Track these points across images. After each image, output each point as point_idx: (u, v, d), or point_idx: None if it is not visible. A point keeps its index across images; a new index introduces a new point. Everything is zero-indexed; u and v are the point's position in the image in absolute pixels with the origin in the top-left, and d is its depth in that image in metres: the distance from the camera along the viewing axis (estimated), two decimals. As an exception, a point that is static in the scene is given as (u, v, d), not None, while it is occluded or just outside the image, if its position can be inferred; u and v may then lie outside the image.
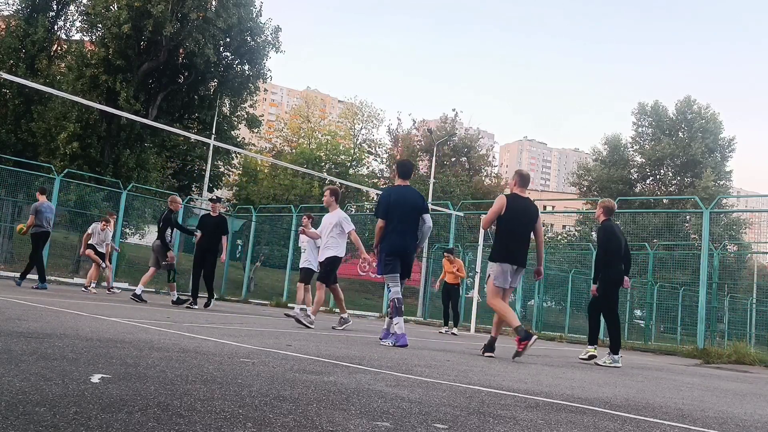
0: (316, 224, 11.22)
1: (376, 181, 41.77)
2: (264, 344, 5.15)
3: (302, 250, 11.49)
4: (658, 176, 45.66)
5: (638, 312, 26.07)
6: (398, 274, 6.88)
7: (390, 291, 6.97)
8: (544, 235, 7.73)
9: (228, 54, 28.56)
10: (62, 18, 28.15)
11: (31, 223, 12.19)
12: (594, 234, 34.26)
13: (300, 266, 11.38)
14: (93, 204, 20.30)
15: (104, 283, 15.12)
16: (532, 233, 6.81)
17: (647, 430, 2.82)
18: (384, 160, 44.34)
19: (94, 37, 26.61)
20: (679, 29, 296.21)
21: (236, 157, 35.20)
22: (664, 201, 39.47)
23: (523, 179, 6.91)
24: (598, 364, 7.41)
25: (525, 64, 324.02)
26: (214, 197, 14.81)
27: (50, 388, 2.30)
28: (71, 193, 19.84)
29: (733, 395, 5.15)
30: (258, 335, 6.18)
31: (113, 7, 24.68)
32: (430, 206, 12.02)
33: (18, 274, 12.62)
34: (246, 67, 28.63)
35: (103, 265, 13.39)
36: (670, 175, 45.15)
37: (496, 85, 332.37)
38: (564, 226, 42.39)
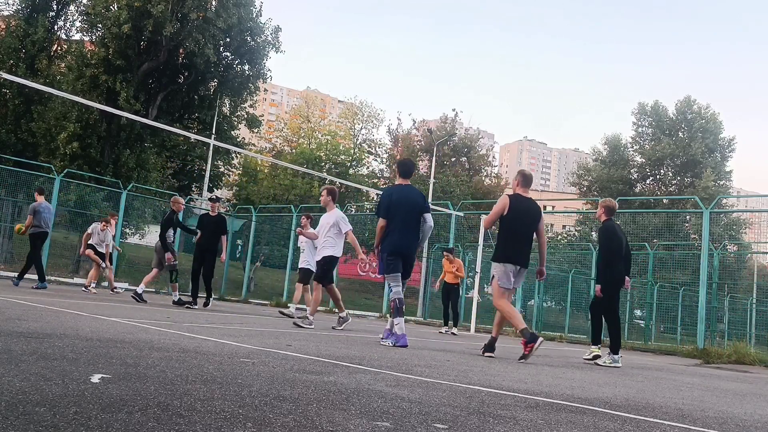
0: (315, 224, 11.23)
1: (376, 181, 41.76)
2: (264, 344, 5.15)
3: (301, 251, 11.49)
4: (658, 176, 45.66)
5: (638, 312, 26.08)
6: (400, 274, 6.85)
7: (391, 291, 6.95)
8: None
9: (228, 54, 28.57)
10: (62, 18, 28.17)
11: (29, 223, 12.20)
12: (594, 234, 34.28)
13: (299, 266, 11.39)
14: (93, 204, 20.31)
15: (104, 283, 15.12)
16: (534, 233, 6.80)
17: (647, 430, 2.82)
18: (384, 160, 44.34)
19: (94, 37, 26.62)
20: (679, 29, 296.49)
21: (236, 157, 35.21)
22: (664, 201, 39.48)
23: (526, 179, 6.89)
24: (598, 364, 7.41)
25: (525, 64, 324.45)
26: (214, 197, 14.83)
27: (50, 388, 2.30)
28: (71, 193, 19.85)
29: (733, 395, 5.15)
30: (258, 335, 6.18)
31: (113, 7, 24.68)
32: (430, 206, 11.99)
33: (16, 274, 12.62)
34: (246, 67, 28.64)
35: (103, 265, 13.39)
36: (670, 175, 45.16)
37: (496, 85, 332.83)
38: (564, 226, 42.43)
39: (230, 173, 37.58)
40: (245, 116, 32.41)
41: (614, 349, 7.51)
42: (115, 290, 13.89)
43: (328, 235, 8.88)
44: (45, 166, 20.60)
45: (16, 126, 25.32)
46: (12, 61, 25.33)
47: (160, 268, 11.37)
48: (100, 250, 13.34)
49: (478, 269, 15.46)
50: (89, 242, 13.36)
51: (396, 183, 7.26)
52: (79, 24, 27.82)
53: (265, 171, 38.78)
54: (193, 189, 33.75)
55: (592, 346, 7.86)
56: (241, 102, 30.89)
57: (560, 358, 8.05)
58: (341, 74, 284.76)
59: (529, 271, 7.39)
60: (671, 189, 44.11)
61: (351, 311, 17.00)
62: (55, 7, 27.67)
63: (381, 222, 6.94)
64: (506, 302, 6.66)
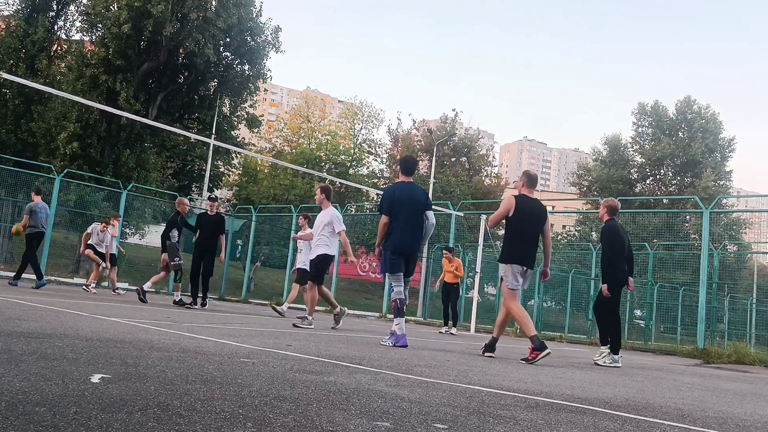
0: (313, 224, 11.23)
1: (376, 181, 41.76)
2: (264, 344, 5.15)
3: (298, 251, 11.48)
4: (658, 176, 45.64)
5: (638, 312, 26.07)
6: (402, 273, 6.81)
7: (392, 290, 6.90)
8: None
9: (228, 54, 28.58)
10: (62, 18, 28.21)
11: (25, 223, 12.20)
12: (594, 234, 34.30)
13: (296, 267, 11.37)
14: (93, 204, 20.31)
15: (104, 283, 15.11)
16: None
17: (647, 430, 2.82)
18: (384, 160, 44.34)
19: (94, 37, 26.63)
20: (679, 29, 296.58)
21: (236, 157, 35.21)
22: (664, 201, 39.46)
23: (531, 180, 6.85)
24: (598, 364, 7.40)
25: (525, 64, 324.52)
26: (213, 196, 14.83)
27: (50, 388, 2.30)
28: (71, 193, 19.84)
29: (733, 395, 5.15)
30: (258, 335, 6.18)
31: (113, 7, 24.70)
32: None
33: (12, 275, 12.62)
34: (246, 67, 28.65)
35: (103, 265, 13.39)
36: (670, 175, 45.14)
37: (496, 85, 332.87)
38: (564, 226, 42.43)
39: (230, 173, 37.58)
40: (245, 116, 32.41)
41: (614, 349, 7.50)
42: (116, 291, 13.88)
43: (322, 233, 8.82)
44: (45, 166, 20.61)
45: (16, 126, 25.33)
46: (12, 61, 25.35)
47: (167, 271, 11.37)
48: (99, 250, 13.34)
49: (478, 269, 15.46)
50: (89, 242, 13.36)
51: (398, 180, 7.20)
52: (79, 24, 27.89)
53: (265, 171, 38.80)
54: (193, 189, 33.75)
55: (602, 347, 7.79)
56: (241, 102, 30.90)
57: (560, 358, 8.04)
58: (341, 74, 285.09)
59: (533, 272, 7.37)
60: (671, 189, 44.10)
61: (351, 311, 17.02)
62: (55, 7, 27.70)
63: (384, 219, 6.88)
64: (518, 305, 6.63)
